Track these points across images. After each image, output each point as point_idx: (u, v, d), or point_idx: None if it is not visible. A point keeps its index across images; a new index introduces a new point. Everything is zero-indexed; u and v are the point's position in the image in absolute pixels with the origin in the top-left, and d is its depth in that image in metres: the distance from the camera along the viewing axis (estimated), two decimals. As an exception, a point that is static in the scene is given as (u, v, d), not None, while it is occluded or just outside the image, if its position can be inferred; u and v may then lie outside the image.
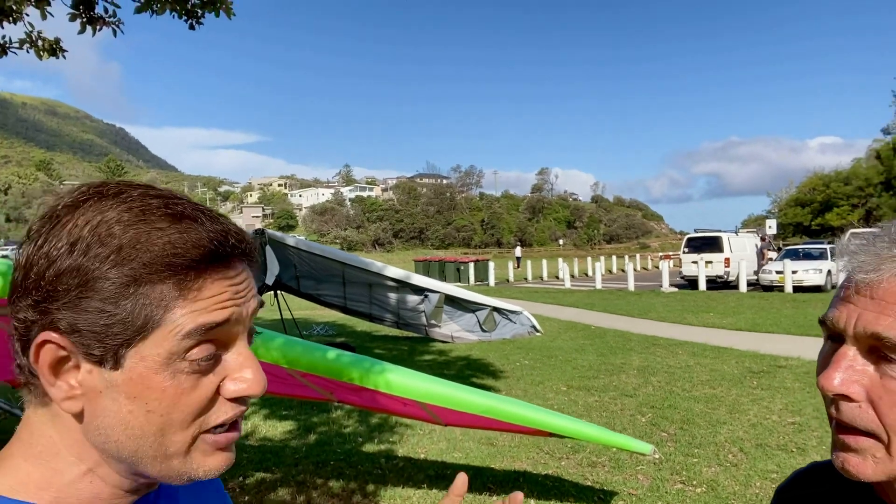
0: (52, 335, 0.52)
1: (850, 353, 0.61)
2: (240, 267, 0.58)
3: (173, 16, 3.64)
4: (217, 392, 0.56)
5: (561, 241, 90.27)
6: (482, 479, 4.41)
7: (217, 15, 3.79)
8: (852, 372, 0.60)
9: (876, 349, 0.59)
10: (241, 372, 0.57)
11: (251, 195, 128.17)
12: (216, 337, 0.55)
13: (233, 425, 0.58)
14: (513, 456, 4.91)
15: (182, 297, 0.52)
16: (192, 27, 3.75)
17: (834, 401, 0.62)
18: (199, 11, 3.67)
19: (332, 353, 3.38)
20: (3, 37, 3.74)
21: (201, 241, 0.53)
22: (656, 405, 6.31)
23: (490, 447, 5.11)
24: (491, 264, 28.78)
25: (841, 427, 0.62)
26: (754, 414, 5.91)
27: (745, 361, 8.42)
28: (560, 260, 32.90)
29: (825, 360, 0.64)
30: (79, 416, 0.54)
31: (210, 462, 0.57)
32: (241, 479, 4.53)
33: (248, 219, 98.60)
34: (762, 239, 25.17)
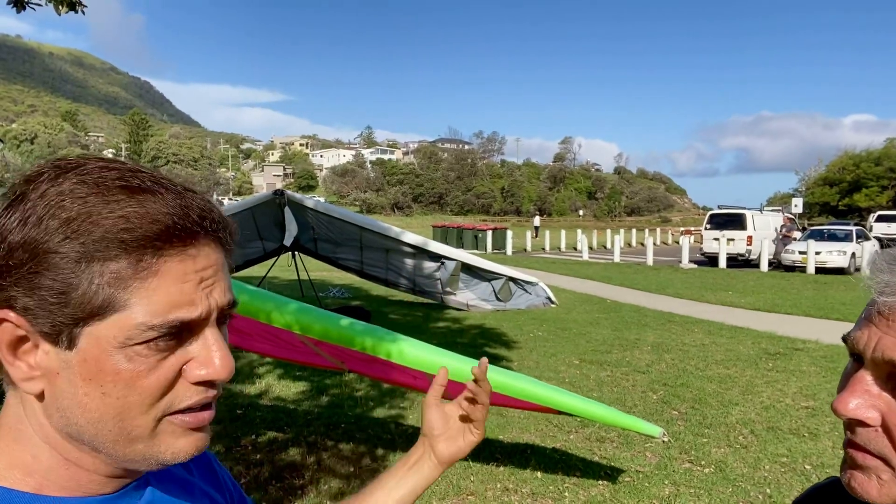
0: (9, 314, 0.50)
1: (867, 378, 0.59)
2: (206, 248, 0.54)
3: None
4: (179, 375, 0.53)
5: (581, 212, 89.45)
6: (490, 450, 4.44)
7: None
8: (868, 397, 0.58)
9: (894, 375, 0.57)
10: (208, 356, 0.54)
11: (273, 154, 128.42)
12: (182, 327, 0.52)
13: (205, 406, 0.55)
14: (522, 427, 4.94)
15: (139, 279, 0.49)
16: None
17: (849, 424, 0.60)
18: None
19: (346, 321, 3.39)
20: (24, -11, 3.70)
21: (158, 216, 0.50)
22: (668, 383, 6.29)
23: (500, 417, 5.14)
24: (509, 233, 28.66)
25: (853, 444, 0.60)
26: (767, 396, 5.87)
27: (762, 342, 8.34)
28: (579, 231, 32.63)
29: (845, 380, 0.62)
30: (40, 398, 0.52)
31: (179, 444, 0.54)
32: (253, 437, 4.62)
33: (268, 177, 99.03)
34: (788, 219, 24.68)
